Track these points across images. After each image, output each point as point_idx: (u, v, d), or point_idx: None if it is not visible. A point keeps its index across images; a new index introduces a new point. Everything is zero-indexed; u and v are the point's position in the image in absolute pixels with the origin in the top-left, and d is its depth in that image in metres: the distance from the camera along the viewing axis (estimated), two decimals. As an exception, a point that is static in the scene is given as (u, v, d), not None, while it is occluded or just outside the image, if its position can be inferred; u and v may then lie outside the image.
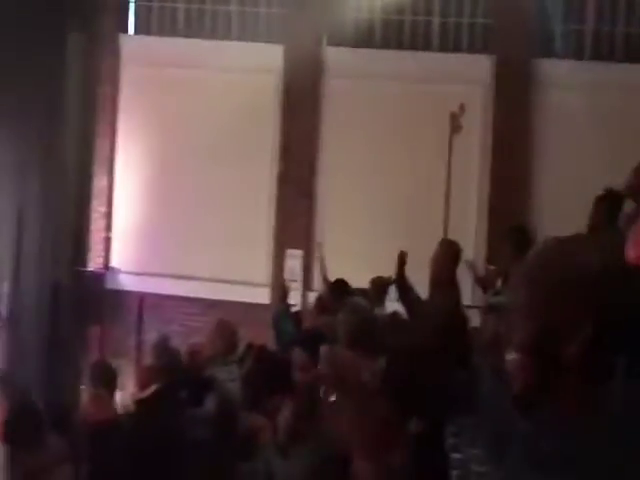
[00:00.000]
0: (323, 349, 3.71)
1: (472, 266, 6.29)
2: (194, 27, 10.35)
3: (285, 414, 3.82)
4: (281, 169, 9.85)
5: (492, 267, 6.36)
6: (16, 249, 9.77)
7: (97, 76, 10.31)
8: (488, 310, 5.16)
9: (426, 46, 9.78)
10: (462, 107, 7.40)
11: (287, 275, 9.50)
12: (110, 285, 10.21)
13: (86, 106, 10.34)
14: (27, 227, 9.86)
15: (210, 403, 4.88)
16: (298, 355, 4.24)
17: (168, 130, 10.12)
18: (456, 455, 4.37)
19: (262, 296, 9.52)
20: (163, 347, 4.77)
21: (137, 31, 10.60)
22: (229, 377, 5.24)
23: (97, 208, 10.44)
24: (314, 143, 9.81)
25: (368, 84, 9.57)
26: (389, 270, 6.07)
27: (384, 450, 2.39)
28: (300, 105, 9.77)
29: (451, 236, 6.19)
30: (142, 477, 3.95)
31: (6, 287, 9.62)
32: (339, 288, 6.13)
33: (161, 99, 10.16)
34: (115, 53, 10.32)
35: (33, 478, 3.57)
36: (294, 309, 8.12)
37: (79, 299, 9.91)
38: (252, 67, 9.82)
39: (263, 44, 10.02)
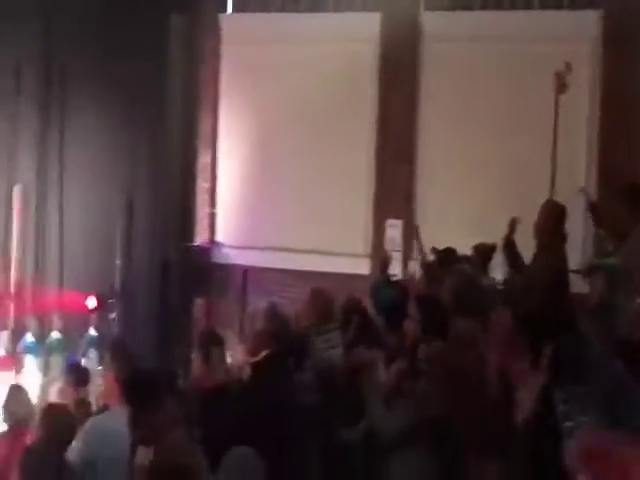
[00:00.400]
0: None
1: (586, 192, 6.32)
2: (290, 0, 10.37)
3: (392, 371, 3.86)
4: (380, 138, 9.78)
5: (601, 231, 6.13)
6: (127, 227, 10.22)
7: (199, 56, 10.51)
8: (590, 271, 5.01)
9: (527, 5, 9.42)
10: (568, 66, 7.08)
11: (388, 245, 9.46)
12: (215, 259, 10.48)
13: (189, 86, 10.59)
14: (137, 206, 10.29)
15: (311, 369, 4.93)
16: (411, 311, 4.25)
17: (268, 105, 10.23)
18: (568, 423, 4.26)
19: (363, 267, 9.53)
20: (274, 313, 4.87)
21: (235, 9, 10.72)
22: (326, 345, 5.27)
23: (201, 184, 10.71)
24: (413, 110, 9.66)
25: (468, 48, 9.32)
26: (493, 236, 5.93)
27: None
28: (399, 72, 9.64)
29: (558, 198, 5.98)
30: (250, 441, 4.04)
31: (119, 263, 10.08)
32: (446, 256, 6.11)
33: (260, 75, 10.27)
34: (216, 33, 10.48)
35: (151, 439, 3.70)
36: (395, 278, 8.10)
37: (187, 273, 10.24)
38: (349, 37, 9.77)
39: (359, 13, 9.94)
